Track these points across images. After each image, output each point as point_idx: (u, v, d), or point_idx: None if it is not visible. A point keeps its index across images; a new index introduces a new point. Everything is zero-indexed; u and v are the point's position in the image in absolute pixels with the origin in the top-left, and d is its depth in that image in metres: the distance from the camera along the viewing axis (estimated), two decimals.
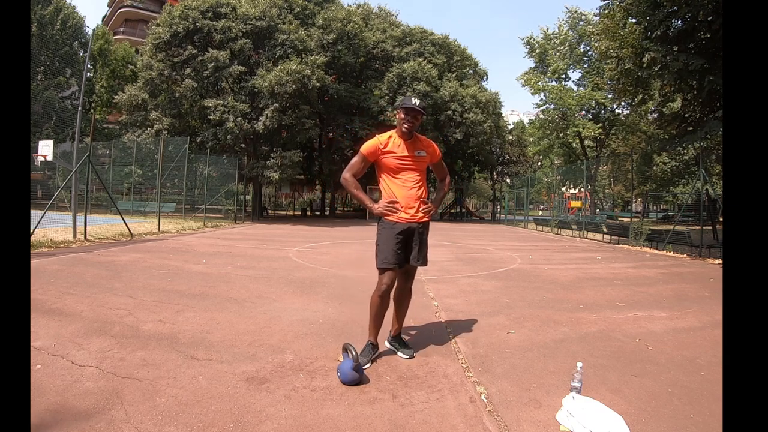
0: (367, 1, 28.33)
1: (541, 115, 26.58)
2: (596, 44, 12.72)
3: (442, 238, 12.68)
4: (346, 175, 2.63)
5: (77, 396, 1.95)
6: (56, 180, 20.02)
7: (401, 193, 2.56)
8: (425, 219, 2.63)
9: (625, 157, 23.98)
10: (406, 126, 2.51)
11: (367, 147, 2.58)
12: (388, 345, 2.77)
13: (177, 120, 19.73)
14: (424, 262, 2.63)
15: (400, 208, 2.55)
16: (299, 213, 31.26)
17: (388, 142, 2.57)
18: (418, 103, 2.49)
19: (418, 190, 2.59)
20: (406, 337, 2.93)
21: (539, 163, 37.79)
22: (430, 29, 27.53)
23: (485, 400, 2.10)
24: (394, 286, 2.65)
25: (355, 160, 2.63)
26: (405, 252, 2.56)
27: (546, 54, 25.90)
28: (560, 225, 18.47)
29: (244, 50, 18.24)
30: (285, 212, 33.28)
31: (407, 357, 2.61)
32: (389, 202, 2.55)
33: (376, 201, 2.64)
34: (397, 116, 2.60)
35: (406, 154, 2.56)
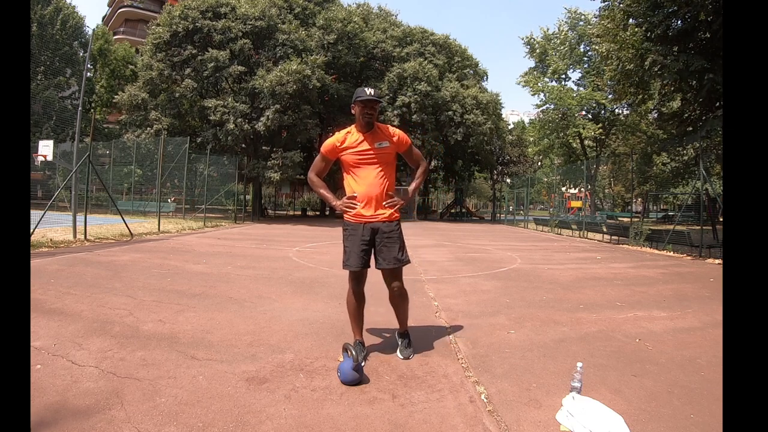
0: (368, 1, 28.36)
1: (541, 116, 26.59)
2: (597, 47, 12.74)
3: (442, 238, 12.68)
4: (311, 174, 2.67)
5: (77, 396, 1.95)
6: (56, 180, 20.02)
7: (361, 189, 2.50)
8: (393, 217, 2.53)
9: (625, 157, 23.99)
10: (365, 118, 2.45)
11: (325, 146, 2.57)
12: (396, 338, 2.77)
13: (177, 120, 19.75)
14: (397, 263, 2.51)
15: (358, 204, 2.49)
16: (299, 213, 31.24)
17: (346, 138, 2.52)
18: (372, 93, 2.43)
19: (381, 185, 2.50)
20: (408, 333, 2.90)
21: (539, 163, 37.80)
22: (431, 29, 27.56)
23: (485, 400, 2.10)
24: (388, 292, 2.65)
25: (316, 159, 2.66)
26: (371, 252, 2.52)
27: (546, 54, 25.92)
28: (560, 225, 18.47)
29: (244, 50, 18.25)
30: (285, 212, 33.28)
31: (404, 358, 2.59)
32: (348, 198, 2.52)
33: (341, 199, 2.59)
34: (353, 111, 2.51)
35: (365, 148, 2.48)
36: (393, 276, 2.56)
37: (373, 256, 2.56)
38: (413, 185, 2.79)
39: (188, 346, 2.67)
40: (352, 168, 2.53)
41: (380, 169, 2.51)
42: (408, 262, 2.58)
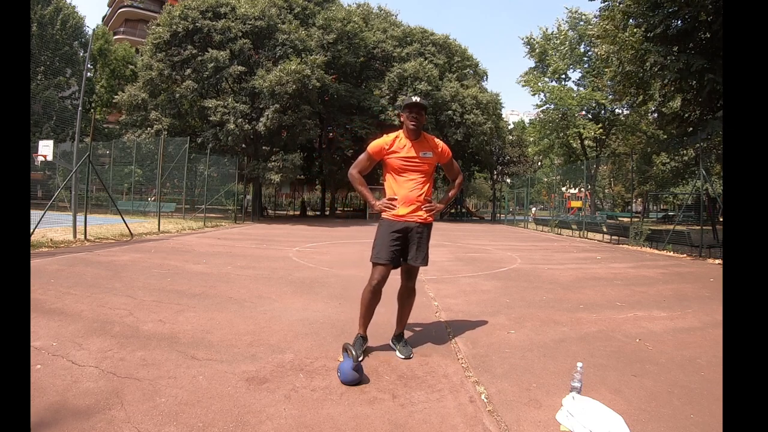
0: (368, 1, 28.36)
1: (541, 116, 26.58)
2: (596, 49, 12.74)
3: (442, 238, 12.68)
4: (353, 171, 2.72)
5: (77, 396, 1.95)
6: (56, 180, 20.01)
7: (402, 192, 2.60)
8: (427, 220, 2.64)
9: (625, 157, 23.98)
10: (412, 124, 2.55)
11: (373, 146, 2.66)
12: (390, 344, 2.79)
13: (177, 120, 19.74)
14: (424, 263, 2.63)
15: (397, 205, 2.58)
16: (298, 213, 31.20)
17: (394, 143, 2.62)
18: (418, 100, 2.55)
19: (420, 190, 2.61)
20: (407, 335, 2.93)
21: (539, 163, 37.79)
22: (431, 29, 27.55)
23: (485, 400, 2.10)
24: (399, 286, 2.75)
25: (361, 157, 2.72)
26: (402, 250, 2.59)
27: (546, 54, 25.89)
28: (560, 225, 18.48)
29: (243, 50, 18.24)
30: (285, 212, 33.28)
31: (404, 357, 2.61)
32: (389, 199, 2.62)
33: (378, 200, 2.69)
34: (401, 118, 2.63)
35: (411, 155, 2.59)
36: (411, 274, 2.69)
37: None
38: (446, 197, 2.95)
39: (188, 346, 2.67)
40: (396, 171, 2.62)
41: (421, 176, 2.62)
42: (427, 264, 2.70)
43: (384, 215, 2.63)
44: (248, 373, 2.30)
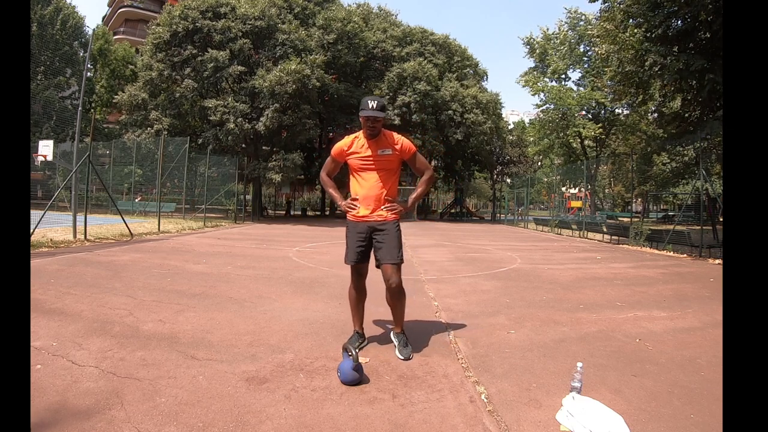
0: (368, 1, 28.37)
1: (541, 116, 26.59)
2: (597, 49, 12.75)
3: (442, 238, 12.68)
4: (322, 174, 2.87)
5: (77, 396, 1.95)
6: (56, 180, 20.01)
7: (362, 192, 2.66)
8: (389, 218, 2.64)
9: (625, 157, 23.98)
10: (368, 131, 2.60)
11: (334, 149, 2.75)
12: (391, 338, 2.81)
13: (177, 120, 19.75)
14: (391, 260, 2.60)
15: (358, 206, 2.66)
16: (299, 213, 31.17)
17: (353, 144, 2.67)
18: (375, 106, 2.53)
19: (380, 189, 2.64)
20: (407, 335, 2.91)
21: (539, 163, 37.79)
22: (431, 29, 27.57)
23: (485, 400, 2.10)
24: (386, 289, 2.74)
25: (327, 160, 2.84)
26: (370, 249, 2.67)
27: (546, 54, 25.91)
28: (560, 225, 18.48)
29: (243, 50, 18.25)
30: (285, 212, 33.27)
31: (404, 358, 2.60)
32: (352, 200, 2.70)
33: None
34: (361, 120, 2.64)
35: (369, 154, 2.63)
36: (389, 273, 2.63)
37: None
38: (413, 195, 2.88)
39: (188, 346, 2.66)
40: (356, 172, 2.68)
41: (381, 174, 2.65)
42: (401, 261, 2.65)
43: (348, 217, 2.70)
44: (248, 373, 2.30)
